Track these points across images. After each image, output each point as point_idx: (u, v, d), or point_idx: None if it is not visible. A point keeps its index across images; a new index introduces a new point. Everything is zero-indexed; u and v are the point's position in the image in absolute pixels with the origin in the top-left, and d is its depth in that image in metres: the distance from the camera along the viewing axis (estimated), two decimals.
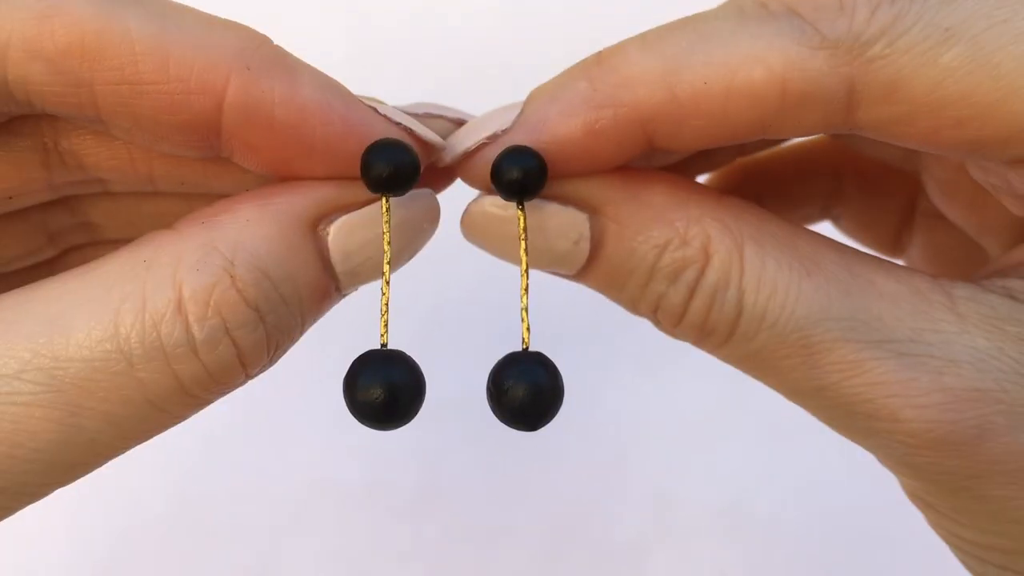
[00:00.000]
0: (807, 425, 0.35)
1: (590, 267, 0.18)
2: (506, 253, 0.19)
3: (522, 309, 0.17)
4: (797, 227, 0.18)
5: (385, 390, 0.16)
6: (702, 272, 0.17)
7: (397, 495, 0.42)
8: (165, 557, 0.41)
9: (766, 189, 0.25)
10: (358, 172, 0.17)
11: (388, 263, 0.16)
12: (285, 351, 0.17)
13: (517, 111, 0.18)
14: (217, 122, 0.16)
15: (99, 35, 0.15)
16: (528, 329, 0.17)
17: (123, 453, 0.16)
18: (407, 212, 0.17)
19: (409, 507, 0.42)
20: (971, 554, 0.19)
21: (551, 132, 0.17)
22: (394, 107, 0.18)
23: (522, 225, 0.17)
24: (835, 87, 0.16)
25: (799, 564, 0.42)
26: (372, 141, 0.17)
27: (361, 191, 0.17)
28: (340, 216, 0.17)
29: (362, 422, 0.16)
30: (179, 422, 0.16)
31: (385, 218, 0.17)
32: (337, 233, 0.17)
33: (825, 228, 0.24)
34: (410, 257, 0.18)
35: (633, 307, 0.18)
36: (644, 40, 0.17)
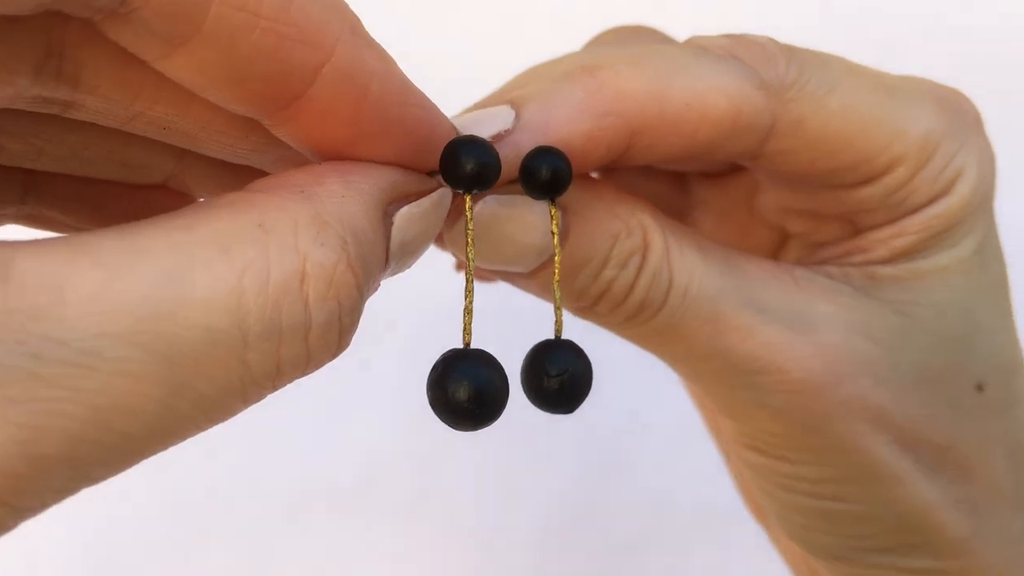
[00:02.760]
0: None
1: (552, 261, 0.19)
2: (497, 254, 0.19)
3: (556, 298, 0.18)
4: (684, 226, 0.21)
5: (473, 390, 0.15)
6: (644, 258, 0.20)
7: (395, 495, 0.42)
8: (163, 557, 0.41)
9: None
10: (419, 163, 0.17)
11: (471, 260, 0.16)
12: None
13: (507, 112, 0.18)
14: (309, 82, 0.15)
15: None
16: (560, 319, 0.18)
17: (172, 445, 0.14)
18: (439, 212, 0.17)
19: (406, 507, 0.42)
20: (794, 489, 0.22)
21: (554, 135, 0.18)
22: None
23: (555, 221, 0.18)
24: (766, 119, 0.19)
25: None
26: (445, 134, 0.17)
27: (421, 183, 0.17)
28: (403, 205, 0.16)
29: (448, 422, 0.16)
30: (229, 418, 0.14)
31: (469, 216, 0.17)
32: (400, 221, 0.16)
33: None
34: (415, 261, 0.18)
35: (579, 296, 0.20)
36: (631, 59, 0.19)
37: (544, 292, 0.20)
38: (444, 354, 0.16)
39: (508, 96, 0.19)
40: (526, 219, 0.19)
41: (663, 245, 0.20)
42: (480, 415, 0.16)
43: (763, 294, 0.20)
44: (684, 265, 0.20)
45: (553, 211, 0.18)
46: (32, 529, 0.23)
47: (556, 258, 0.18)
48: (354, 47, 0.15)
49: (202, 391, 0.13)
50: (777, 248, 0.25)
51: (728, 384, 0.21)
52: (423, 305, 0.41)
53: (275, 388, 0.14)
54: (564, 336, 0.18)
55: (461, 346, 0.16)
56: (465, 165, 0.16)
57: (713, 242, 0.21)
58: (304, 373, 0.14)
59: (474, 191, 0.17)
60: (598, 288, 0.20)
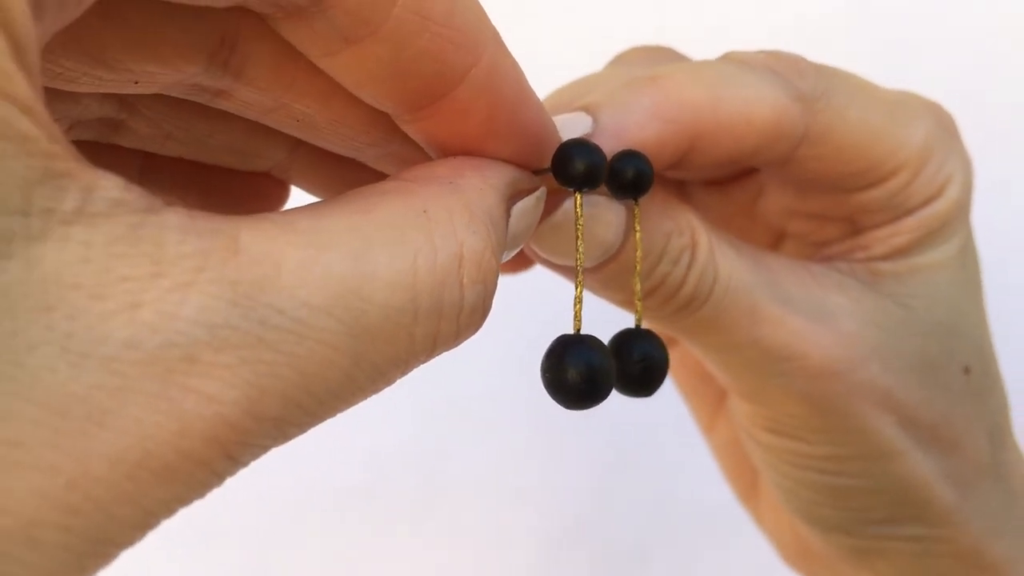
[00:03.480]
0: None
1: (614, 258, 0.21)
2: (565, 252, 0.21)
3: (636, 291, 0.20)
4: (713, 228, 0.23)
5: (586, 373, 0.17)
6: (693, 255, 0.21)
7: (397, 495, 0.42)
8: (164, 557, 0.41)
9: None
10: (534, 161, 0.18)
11: (582, 253, 0.18)
12: None
13: (586, 118, 0.20)
14: (458, 82, 0.16)
15: None
16: (640, 309, 0.20)
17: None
18: (539, 209, 0.19)
19: (409, 507, 0.42)
20: (806, 467, 0.24)
21: (629, 140, 0.20)
22: None
23: (637, 219, 0.20)
24: (800, 127, 0.21)
25: None
26: (554, 136, 0.19)
27: (532, 180, 0.18)
28: (518, 200, 0.18)
29: (561, 402, 0.18)
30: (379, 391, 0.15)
31: (579, 212, 0.18)
32: (515, 215, 0.17)
33: None
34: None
35: (629, 291, 0.21)
36: (688, 71, 0.21)
37: (600, 287, 0.22)
38: (560, 338, 0.18)
39: (580, 103, 0.20)
40: (604, 217, 0.20)
41: (708, 242, 0.21)
42: (590, 395, 0.18)
43: (788, 287, 0.22)
44: (725, 261, 0.21)
45: (637, 212, 0.20)
46: None
47: (638, 253, 0.20)
48: (497, 53, 0.16)
49: (375, 361, 0.14)
50: (773, 248, 0.26)
51: (756, 371, 0.23)
52: None
53: (425, 362, 0.15)
54: (586, 330, 0.18)
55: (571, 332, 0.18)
56: (578, 165, 0.18)
57: (741, 241, 0.23)
58: (447, 349, 0.15)
59: (584, 190, 0.18)
60: (652, 282, 0.21)
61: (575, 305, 0.18)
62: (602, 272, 0.21)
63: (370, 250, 0.14)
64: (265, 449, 0.14)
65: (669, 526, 0.42)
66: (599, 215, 0.20)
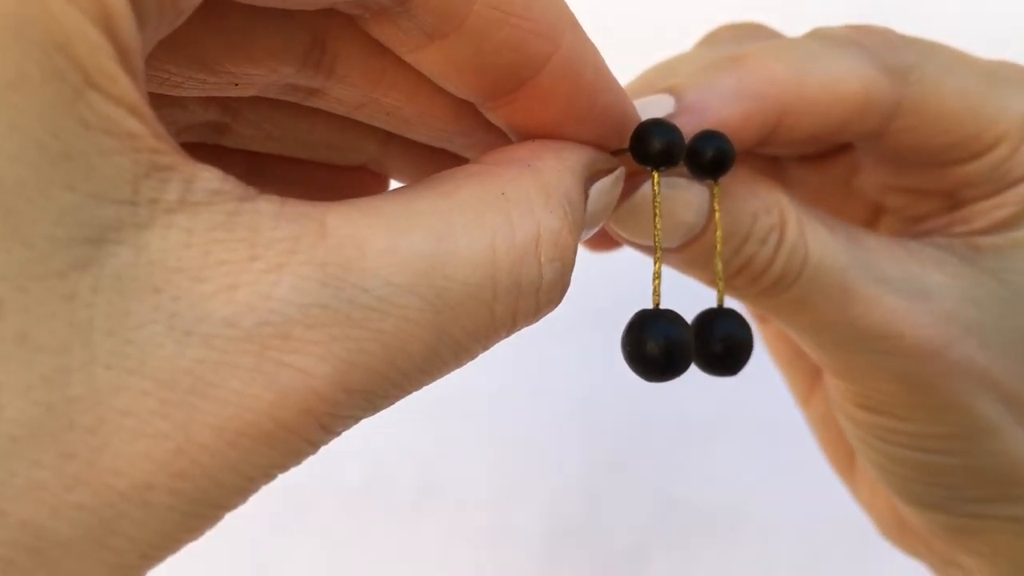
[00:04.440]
0: (808, 426, 0.35)
1: (698, 238, 0.21)
2: (644, 232, 0.21)
3: (718, 270, 0.20)
4: (806, 204, 0.22)
5: (665, 346, 0.18)
6: (782, 234, 0.21)
7: (397, 495, 0.42)
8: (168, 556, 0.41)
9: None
10: (612, 142, 0.19)
11: (659, 230, 0.19)
12: None
13: (668, 99, 0.21)
14: (539, 69, 0.16)
15: None
16: (723, 289, 0.20)
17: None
18: (618, 189, 0.19)
19: (409, 507, 0.42)
20: (901, 444, 0.23)
21: (713, 118, 0.20)
22: None
23: (716, 199, 0.20)
24: (891, 100, 0.21)
25: (799, 565, 0.42)
26: (633, 117, 0.19)
27: (609, 161, 0.19)
28: (596, 181, 0.18)
29: (641, 374, 0.18)
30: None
31: (656, 191, 0.19)
32: (593, 195, 0.18)
33: None
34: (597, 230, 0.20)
35: (714, 271, 0.21)
36: (772, 49, 0.21)
37: (685, 266, 0.22)
38: (640, 312, 0.18)
39: (664, 85, 0.21)
40: (684, 198, 0.20)
41: (798, 222, 0.21)
42: (669, 367, 0.18)
43: (883, 265, 0.22)
44: (816, 240, 0.21)
45: (716, 191, 0.20)
46: None
47: (718, 233, 0.20)
48: (576, 40, 0.17)
49: (457, 336, 0.14)
50: (870, 223, 0.26)
51: (849, 350, 0.22)
52: None
53: (507, 336, 0.16)
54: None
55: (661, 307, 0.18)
56: (656, 144, 0.18)
57: (834, 218, 0.22)
58: (528, 324, 0.16)
59: (661, 168, 0.19)
60: (739, 262, 0.21)
61: (654, 280, 0.18)
62: (685, 252, 0.21)
63: (451, 231, 0.14)
64: (355, 420, 0.14)
65: (668, 526, 0.42)
66: (679, 196, 0.20)
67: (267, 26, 0.16)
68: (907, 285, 0.22)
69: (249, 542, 0.42)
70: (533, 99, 0.17)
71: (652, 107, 0.20)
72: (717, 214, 0.20)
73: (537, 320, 0.16)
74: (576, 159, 0.17)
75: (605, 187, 0.18)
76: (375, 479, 0.42)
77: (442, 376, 0.15)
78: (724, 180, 0.20)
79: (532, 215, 0.15)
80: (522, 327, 0.16)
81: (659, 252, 0.19)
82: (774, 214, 0.21)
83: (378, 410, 0.14)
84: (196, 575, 0.41)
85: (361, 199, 0.15)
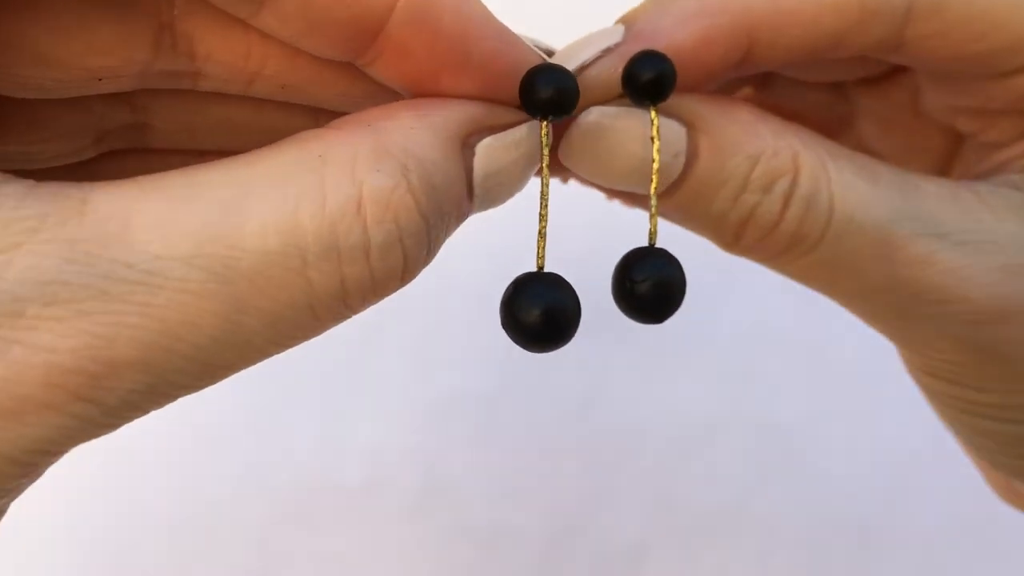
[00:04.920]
0: (807, 426, 0.35)
1: (680, 184, 0.18)
2: (609, 170, 0.19)
3: (652, 208, 0.18)
4: (851, 151, 0.19)
5: (544, 311, 0.16)
6: (794, 181, 0.18)
7: (397, 495, 0.42)
8: (164, 557, 0.41)
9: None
10: (503, 95, 0.17)
11: (547, 183, 0.17)
12: (422, 270, 0.16)
13: (617, 29, 0.19)
14: (383, 21, 0.16)
15: None
16: (655, 226, 0.18)
17: (257, 363, 0.15)
18: (530, 144, 0.17)
19: (409, 507, 0.42)
20: (981, 415, 0.21)
21: (667, 40, 0.18)
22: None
23: (655, 126, 0.17)
24: (899, 2, 0.18)
25: (799, 565, 0.42)
26: (529, 65, 0.17)
27: (505, 115, 0.17)
28: (486, 136, 0.17)
29: (520, 343, 0.16)
30: (313, 336, 0.16)
31: (545, 142, 0.17)
32: (482, 152, 0.17)
33: None
34: (514, 193, 0.18)
35: (718, 224, 0.19)
36: None
37: (683, 218, 0.19)
38: (517, 276, 0.17)
39: (620, 18, 0.19)
40: (635, 131, 0.18)
41: (820, 168, 0.18)
42: (550, 336, 0.16)
43: (943, 216, 0.19)
44: (848, 189, 0.18)
45: (654, 116, 0.17)
46: (36, 529, 0.23)
47: (654, 166, 0.17)
48: None
49: (265, 307, 0.14)
50: (951, 152, 0.23)
51: (904, 317, 0.20)
52: (431, 302, 0.41)
53: (349, 307, 0.15)
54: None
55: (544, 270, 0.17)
56: (541, 91, 0.16)
57: (884, 163, 0.20)
58: (374, 295, 0.15)
59: (551, 118, 0.17)
60: (738, 215, 0.18)
61: (538, 240, 0.17)
62: (673, 199, 0.19)
63: (245, 199, 0.14)
64: (154, 395, 0.14)
65: (668, 526, 0.42)
66: (624, 128, 0.18)
67: (101, 15, 0.16)
68: (973, 238, 0.19)
69: (249, 542, 0.42)
70: (392, 53, 0.16)
71: (597, 40, 0.18)
72: (656, 144, 0.17)
73: (388, 288, 0.15)
74: (445, 115, 0.16)
75: (501, 143, 0.17)
76: (375, 479, 0.42)
77: (274, 349, 0.15)
78: (714, 118, 0.18)
79: (352, 176, 0.15)
80: (368, 296, 0.15)
81: (545, 209, 0.17)
82: (783, 157, 0.18)
83: (180, 383, 0.14)
84: (196, 575, 0.41)
85: (151, 176, 0.14)
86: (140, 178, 0.14)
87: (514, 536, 0.42)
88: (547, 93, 0.16)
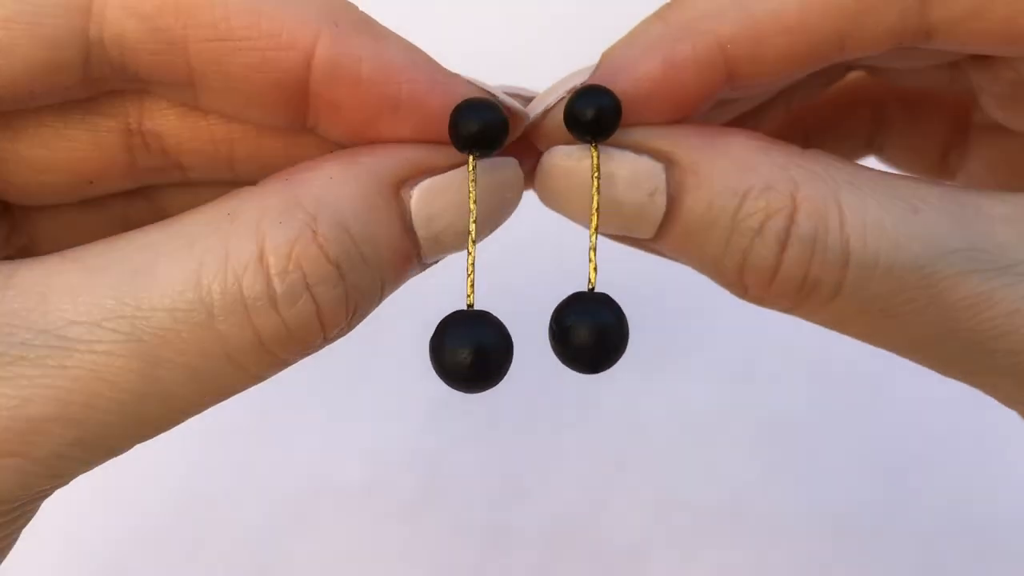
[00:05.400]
0: (807, 425, 0.35)
1: (667, 226, 0.17)
2: (581, 209, 0.18)
3: (590, 249, 0.16)
4: (891, 173, 0.17)
5: (473, 352, 0.15)
6: (792, 220, 0.16)
7: (397, 495, 0.42)
8: (164, 557, 0.41)
9: (809, 135, 0.24)
10: (442, 135, 0.17)
11: (475, 222, 0.16)
12: (363, 317, 0.16)
13: (588, 68, 0.18)
14: (306, 80, 0.16)
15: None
16: (595, 269, 0.17)
17: (200, 411, 0.16)
18: (491, 178, 0.17)
19: (409, 507, 0.42)
20: None
21: (630, 73, 0.17)
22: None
23: (595, 163, 0.16)
24: None
25: (799, 565, 0.42)
26: (459, 101, 0.16)
27: (445, 155, 0.17)
28: (424, 179, 0.17)
29: (450, 385, 0.16)
30: (257, 382, 0.16)
31: (471, 176, 0.16)
32: (420, 196, 0.16)
33: (868, 162, 0.24)
34: (494, 227, 0.18)
35: (718, 270, 0.17)
36: None
37: (686, 262, 0.18)
38: (447, 315, 0.16)
39: (602, 53, 0.18)
40: (620, 175, 0.17)
41: (827, 204, 0.16)
42: (478, 377, 0.16)
43: (1011, 242, 0.16)
44: (869, 223, 0.16)
45: (594, 154, 0.16)
46: (36, 529, 0.23)
47: (593, 204, 0.16)
48: (336, 37, 0.16)
49: (183, 361, 0.15)
50: None
51: (973, 370, 0.17)
52: (431, 302, 0.41)
53: (276, 356, 0.16)
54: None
55: (474, 308, 0.16)
56: (463, 127, 0.16)
57: (938, 184, 0.17)
58: (297, 343, 0.16)
59: (476, 152, 0.16)
60: (732, 260, 0.17)
61: (469, 275, 0.16)
62: (666, 242, 0.18)
63: (155, 262, 0.15)
64: (75, 443, 0.15)
65: (668, 526, 0.42)
66: (615, 172, 0.17)
67: (74, 124, 0.17)
68: None
69: (249, 542, 0.42)
70: (325, 109, 0.16)
71: (568, 82, 0.18)
72: (596, 181, 0.16)
73: (309, 336, 0.15)
74: (372, 162, 0.16)
75: (441, 184, 0.16)
76: (375, 479, 0.42)
77: (217, 395, 0.16)
78: (700, 151, 0.16)
79: (255, 231, 0.15)
80: (291, 345, 0.15)
81: (473, 247, 0.16)
82: (775, 194, 0.16)
83: (106, 435, 0.15)
84: (196, 575, 0.41)
85: (81, 248, 0.15)
86: (65, 251, 0.15)
87: (514, 536, 0.42)
88: (471, 128, 0.16)
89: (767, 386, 0.42)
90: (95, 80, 0.16)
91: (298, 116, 0.17)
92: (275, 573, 0.42)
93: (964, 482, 0.41)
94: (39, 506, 0.18)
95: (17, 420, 0.14)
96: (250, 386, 0.16)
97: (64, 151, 0.17)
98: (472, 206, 0.16)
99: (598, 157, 0.16)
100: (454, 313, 0.16)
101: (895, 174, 0.17)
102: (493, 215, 0.17)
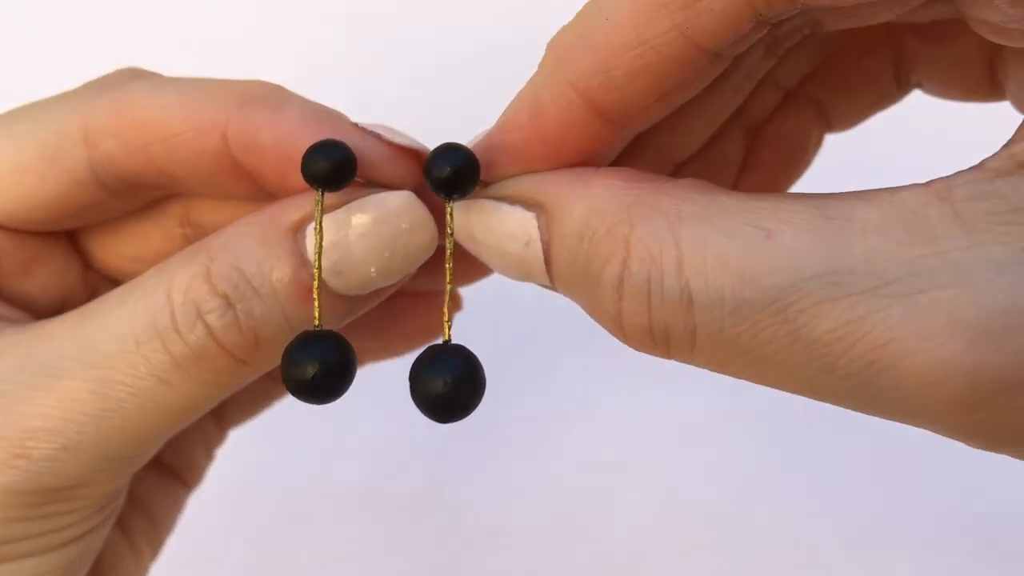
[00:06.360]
0: (807, 425, 0.35)
1: (551, 274, 0.17)
2: (488, 259, 0.19)
3: (446, 299, 0.17)
4: (757, 193, 0.15)
5: (317, 367, 0.17)
6: (624, 265, 0.15)
7: (397, 495, 0.42)
8: (164, 556, 0.41)
9: (832, 94, 0.22)
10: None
11: (319, 252, 0.18)
12: (280, 340, 0.18)
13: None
14: (226, 158, 0.20)
15: (144, 109, 0.20)
16: (449, 323, 0.18)
17: (163, 432, 0.20)
18: (377, 212, 0.19)
19: (409, 507, 0.42)
20: None
21: (507, 123, 0.18)
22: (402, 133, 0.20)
23: (449, 220, 0.18)
24: None
25: (799, 565, 0.42)
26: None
27: (336, 200, 0.19)
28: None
29: (298, 397, 0.18)
30: (195, 401, 0.19)
31: (318, 208, 0.18)
32: (308, 235, 0.19)
33: (916, 97, 0.22)
34: (407, 261, 0.19)
35: (601, 321, 0.17)
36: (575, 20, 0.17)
37: (576, 299, 0.17)
38: (299, 334, 0.18)
39: None
40: (498, 227, 0.18)
41: (662, 246, 0.14)
42: (319, 390, 0.18)
43: (881, 257, 0.13)
44: (709, 260, 0.14)
45: (449, 211, 0.18)
46: None
47: (448, 264, 0.17)
48: (240, 117, 0.19)
49: (128, 383, 0.19)
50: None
51: (859, 400, 0.14)
52: None
53: (188, 375, 0.19)
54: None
55: (321, 328, 0.18)
56: (310, 165, 0.18)
57: (807, 197, 0.14)
58: (204, 364, 0.19)
59: (325, 189, 0.18)
60: (593, 311, 0.16)
61: (316, 299, 0.18)
62: (561, 291, 0.17)
63: (104, 311, 0.19)
64: (62, 448, 0.19)
65: (669, 526, 0.42)
66: (494, 225, 0.17)
67: (146, 224, 0.23)
68: (931, 281, 0.13)
69: (249, 542, 0.42)
70: (253, 172, 0.20)
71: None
72: (450, 238, 0.17)
73: (210, 356, 0.19)
74: (276, 210, 0.19)
75: (328, 222, 0.18)
76: (375, 479, 0.42)
77: (156, 416, 0.19)
78: (562, 197, 0.16)
79: (167, 275, 0.19)
80: (200, 364, 0.19)
81: (319, 269, 0.18)
82: (611, 239, 0.15)
83: (99, 441, 0.19)
84: (196, 575, 0.41)
85: (75, 311, 0.20)
86: (56, 317, 0.20)
87: (514, 536, 0.42)
88: (315, 167, 0.18)
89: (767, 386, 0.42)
90: (116, 191, 0.21)
91: (256, 187, 0.20)
92: (275, 572, 0.42)
93: (964, 482, 0.41)
94: (97, 504, 0.21)
95: (16, 435, 0.19)
96: (197, 405, 0.19)
97: (142, 245, 0.23)
98: (317, 237, 0.18)
99: (452, 214, 0.18)
100: (302, 333, 0.18)
101: (764, 194, 0.15)
102: (395, 246, 0.19)
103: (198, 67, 0.23)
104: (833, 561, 0.42)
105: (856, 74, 0.21)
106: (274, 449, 0.41)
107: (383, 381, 0.42)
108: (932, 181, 0.14)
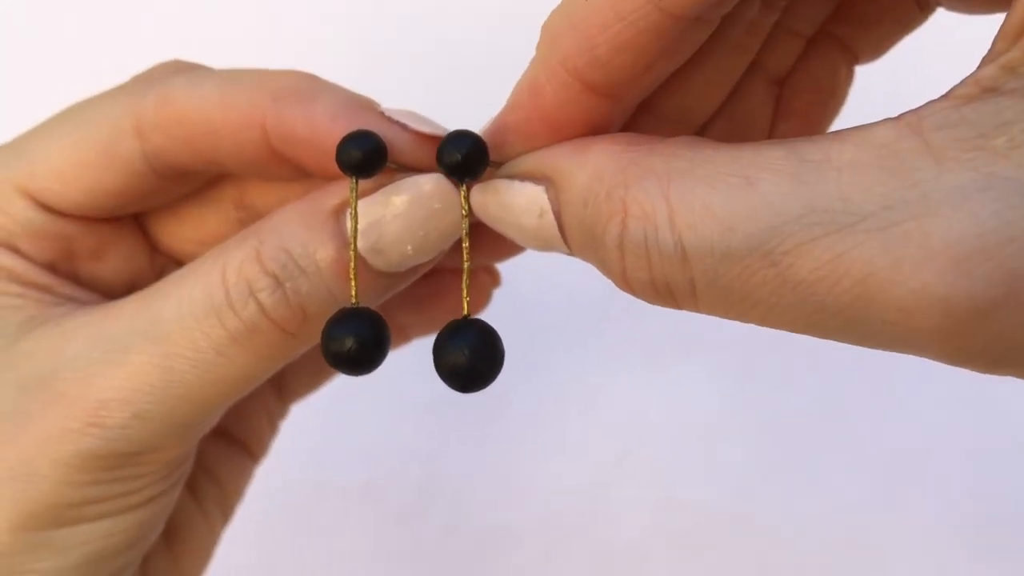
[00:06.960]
0: (808, 424, 0.35)
1: (567, 242, 0.18)
2: (505, 229, 0.20)
3: (465, 278, 0.19)
4: (743, 143, 0.16)
5: (353, 341, 0.18)
6: (623, 224, 0.16)
7: (397, 495, 0.42)
8: None
9: (854, 30, 0.22)
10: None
11: (355, 235, 0.19)
12: (326, 315, 0.20)
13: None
14: (267, 148, 0.21)
15: (186, 106, 0.21)
16: (468, 299, 0.19)
17: (224, 400, 0.21)
18: (411, 194, 0.20)
19: (409, 507, 0.42)
20: None
21: (511, 104, 0.19)
22: (425, 118, 0.21)
23: (463, 202, 0.19)
24: None
25: (799, 565, 0.42)
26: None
27: (371, 185, 0.20)
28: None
29: (336, 369, 0.19)
30: (252, 371, 0.21)
31: (353, 195, 0.19)
32: (348, 217, 0.20)
33: (940, 17, 0.21)
34: (441, 239, 0.20)
35: (612, 279, 0.17)
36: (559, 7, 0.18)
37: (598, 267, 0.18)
38: (336, 312, 0.19)
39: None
40: (514, 204, 0.19)
41: (654, 202, 0.15)
42: (357, 362, 0.19)
43: (857, 193, 0.13)
44: (697, 212, 0.15)
45: (463, 194, 0.19)
46: None
47: (465, 243, 0.19)
48: (275, 110, 0.21)
49: (186, 355, 0.20)
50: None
51: (855, 335, 0.15)
52: None
53: (243, 349, 0.20)
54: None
55: (358, 305, 0.20)
56: (343, 154, 0.19)
57: (784, 144, 0.15)
58: (258, 337, 0.20)
59: (358, 176, 0.19)
60: (605, 271, 0.17)
61: (352, 279, 0.19)
62: (579, 256, 0.18)
63: (168, 291, 0.21)
64: (133, 416, 0.20)
65: (669, 526, 0.42)
66: (509, 202, 0.19)
67: (206, 205, 0.25)
68: (902, 212, 0.13)
69: (249, 542, 0.42)
70: (296, 160, 0.21)
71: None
72: (466, 219, 0.19)
73: (266, 332, 0.20)
74: (319, 195, 0.21)
75: (365, 204, 0.20)
76: (375, 479, 0.42)
77: (216, 384, 0.20)
78: (566, 167, 0.17)
79: (221, 257, 0.20)
80: (254, 338, 0.20)
81: (355, 259, 0.19)
82: (609, 200, 0.16)
83: (164, 409, 0.20)
84: None
85: (106, 304, 0.22)
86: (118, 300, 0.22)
87: (514, 536, 0.42)
88: (349, 156, 0.19)
89: (767, 386, 0.42)
90: (171, 178, 0.23)
91: (298, 169, 0.21)
92: (275, 572, 0.42)
93: (964, 482, 0.41)
94: (170, 470, 0.22)
95: (89, 402, 0.20)
96: (253, 376, 0.21)
97: (202, 228, 0.25)
98: (352, 220, 0.19)
99: (467, 197, 0.19)
100: (340, 310, 0.19)
101: (748, 143, 0.16)
102: (428, 226, 0.20)
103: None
104: (833, 561, 0.42)
105: (874, 5, 0.21)
106: (274, 449, 0.41)
107: (383, 381, 0.42)
108: (904, 114, 0.14)
